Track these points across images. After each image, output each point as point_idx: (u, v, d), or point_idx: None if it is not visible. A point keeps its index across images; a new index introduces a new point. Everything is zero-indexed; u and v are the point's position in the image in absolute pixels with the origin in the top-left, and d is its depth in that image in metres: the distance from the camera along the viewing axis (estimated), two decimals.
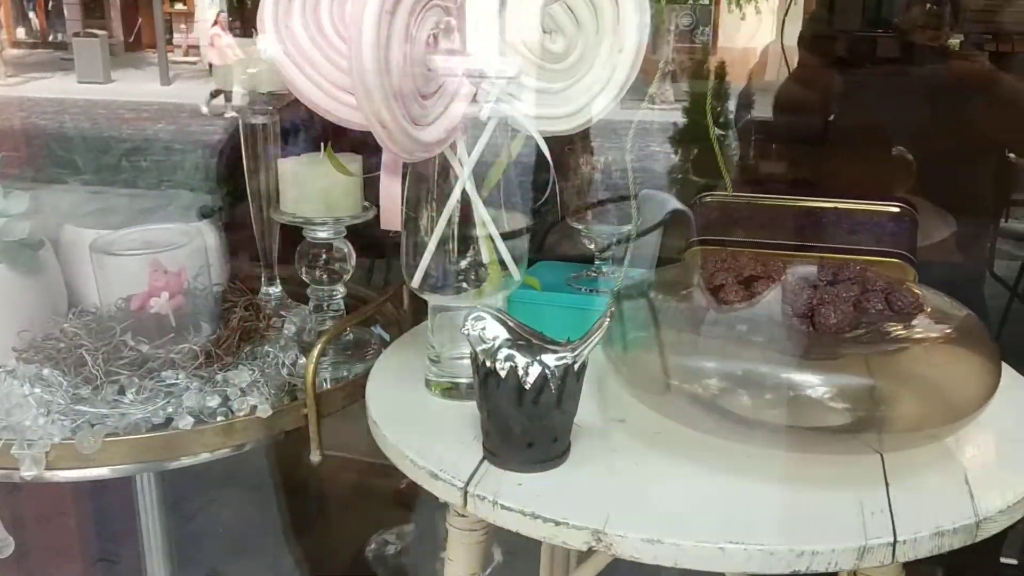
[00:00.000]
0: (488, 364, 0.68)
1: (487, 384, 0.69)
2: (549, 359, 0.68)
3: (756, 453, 0.69)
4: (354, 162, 0.96)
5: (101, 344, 0.83)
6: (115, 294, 0.89)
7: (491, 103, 0.72)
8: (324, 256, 0.99)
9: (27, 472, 0.77)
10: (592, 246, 0.95)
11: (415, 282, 0.79)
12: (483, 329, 0.69)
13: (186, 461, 0.82)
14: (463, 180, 0.75)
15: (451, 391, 0.81)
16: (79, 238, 1.03)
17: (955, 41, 1.45)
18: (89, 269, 0.99)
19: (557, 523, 0.64)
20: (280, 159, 0.99)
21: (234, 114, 1.07)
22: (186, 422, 0.81)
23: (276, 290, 1.08)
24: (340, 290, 1.01)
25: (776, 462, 0.69)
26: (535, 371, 0.67)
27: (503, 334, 0.69)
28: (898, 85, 1.41)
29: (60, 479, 0.80)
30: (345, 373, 0.96)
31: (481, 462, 0.70)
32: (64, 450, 0.79)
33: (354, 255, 1.00)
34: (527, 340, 0.69)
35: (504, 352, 0.68)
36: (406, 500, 1.71)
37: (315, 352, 0.87)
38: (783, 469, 0.69)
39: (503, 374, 0.68)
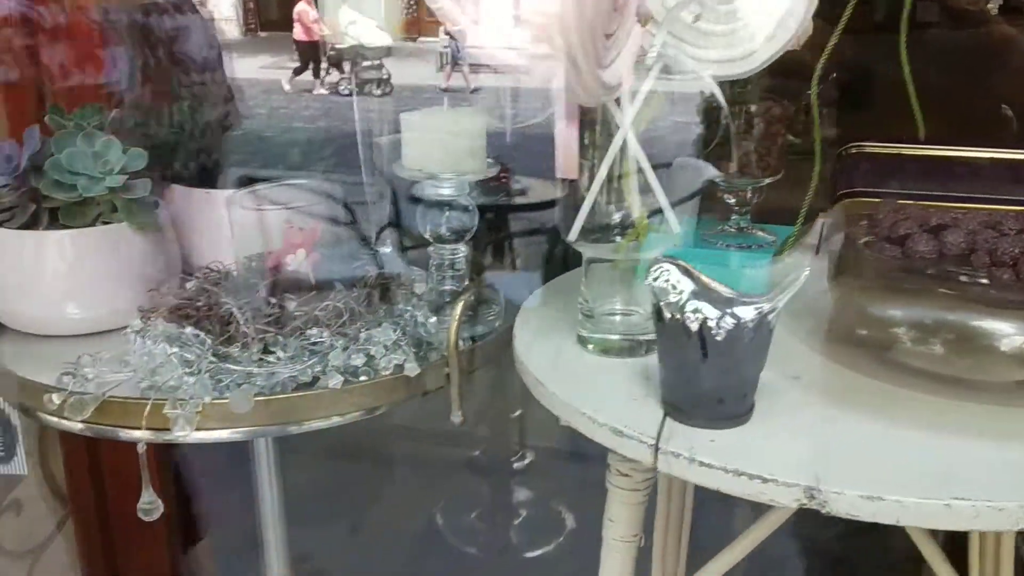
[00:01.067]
0: (675, 317, 0.66)
1: (673, 338, 0.66)
2: (743, 311, 0.65)
3: (953, 406, 0.67)
4: (478, 116, 0.93)
5: (243, 302, 0.81)
6: (248, 251, 0.86)
7: (657, 46, 0.69)
8: (448, 214, 0.96)
9: (180, 432, 0.75)
10: (732, 200, 0.92)
11: (573, 234, 0.76)
12: (668, 280, 0.66)
13: (335, 420, 0.80)
14: (625, 128, 0.72)
15: (610, 348, 0.78)
16: (188, 197, 1.00)
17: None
18: (196, 228, 0.97)
19: (764, 480, 0.61)
20: (403, 113, 0.96)
21: (323, 91, 1.04)
22: (336, 381, 0.78)
23: (387, 250, 1.05)
24: (462, 249, 0.98)
25: (975, 415, 0.67)
26: (728, 323, 0.64)
27: (689, 286, 0.66)
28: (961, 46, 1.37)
29: (211, 439, 0.77)
30: (466, 335, 0.93)
31: (664, 419, 0.68)
32: (212, 410, 0.76)
33: (477, 213, 0.97)
34: (714, 292, 0.66)
35: (693, 304, 0.65)
36: (480, 467, 1.70)
37: (459, 308, 0.84)
38: (983, 423, 0.66)
39: (693, 327, 0.65)
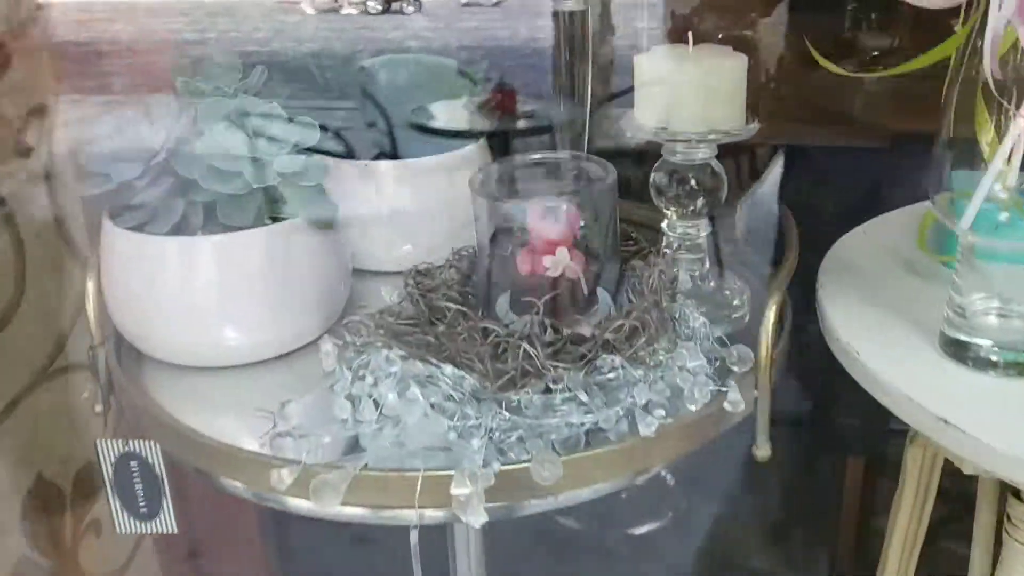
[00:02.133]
0: None
1: None
2: None
3: None
4: (739, 59, 0.73)
5: (510, 325, 0.61)
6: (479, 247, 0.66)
7: None
8: (693, 181, 0.76)
9: (472, 516, 0.55)
10: None
11: (967, 220, 0.57)
12: None
13: (623, 479, 0.61)
14: None
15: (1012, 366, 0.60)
16: (344, 172, 0.79)
17: None
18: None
19: None
20: (638, 56, 0.75)
21: (352, 11, 0.84)
22: (650, 426, 0.59)
23: None
24: (705, 226, 0.79)
25: None
26: None
27: None
28: None
29: (502, 518, 0.58)
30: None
31: None
32: (501, 480, 0.57)
33: (726, 179, 0.77)
34: None
35: None
36: None
37: (771, 314, 0.65)
38: None
39: None
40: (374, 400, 0.61)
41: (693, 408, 0.62)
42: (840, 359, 0.66)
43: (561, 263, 0.63)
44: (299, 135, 0.69)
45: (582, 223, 0.64)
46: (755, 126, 0.73)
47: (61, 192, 0.99)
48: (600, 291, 0.67)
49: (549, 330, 0.60)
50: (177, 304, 0.69)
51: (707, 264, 0.80)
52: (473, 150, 0.87)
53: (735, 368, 0.66)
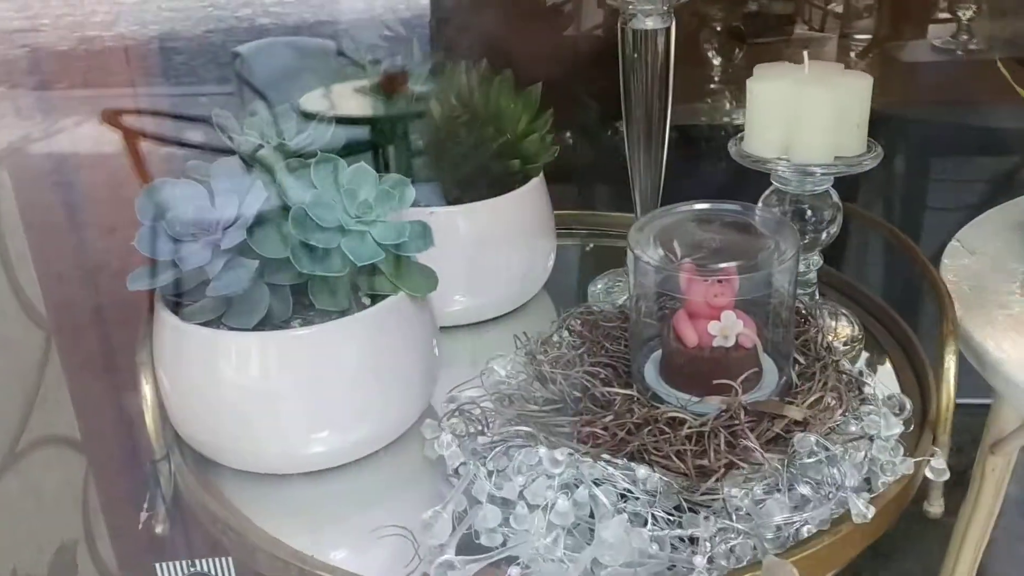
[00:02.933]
0: None
1: None
2: None
3: None
4: (865, 80, 0.66)
5: (692, 415, 0.52)
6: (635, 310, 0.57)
7: None
8: (810, 212, 0.70)
9: None
10: None
11: None
12: None
13: None
14: None
15: None
16: None
17: None
18: None
19: None
20: (750, 79, 0.67)
21: None
22: (867, 509, 0.52)
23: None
24: (817, 260, 0.72)
25: None
26: None
27: None
28: None
29: None
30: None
31: None
32: None
33: (842, 208, 0.71)
34: None
35: None
36: None
37: (952, 358, 0.59)
38: None
39: None
40: (532, 505, 0.52)
41: (892, 479, 0.55)
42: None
43: (732, 330, 0.55)
44: (396, 198, 0.59)
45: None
46: (880, 152, 0.67)
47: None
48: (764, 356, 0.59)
49: (743, 413, 0.52)
50: (264, 408, 0.57)
51: (817, 298, 0.74)
52: (536, 186, 0.78)
53: (899, 418, 0.59)
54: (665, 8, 0.70)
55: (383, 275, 0.59)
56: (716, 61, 1.17)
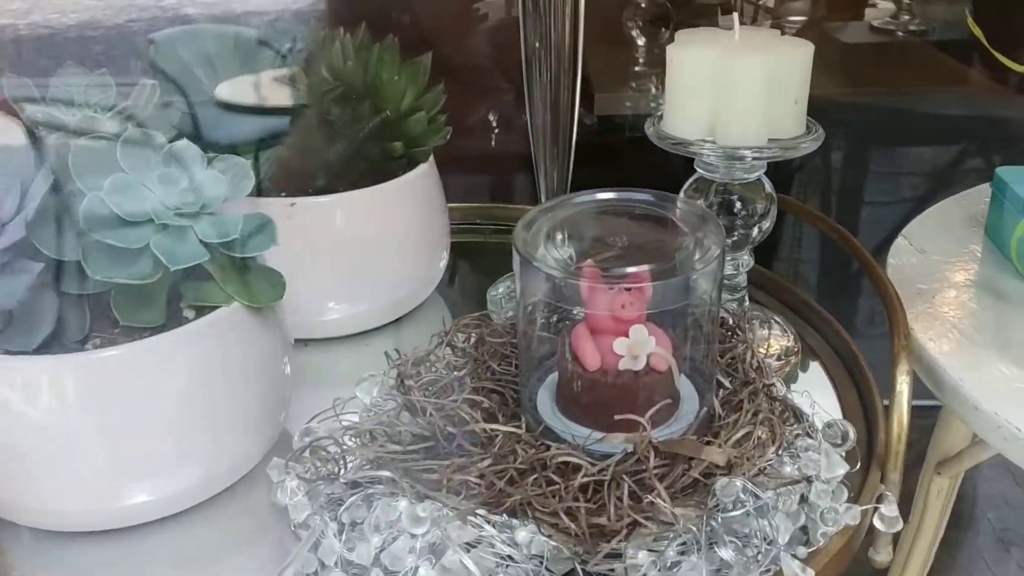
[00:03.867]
0: None
1: None
2: None
3: None
4: (803, 47, 0.56)
5: (586, 458, 0.41)
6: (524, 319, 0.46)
7: None
8: (739, 204, 0.60)
9: None
10: None
11: None
12: None
13: None
14: None
15: None
16: None
17: None
18: None
19: None
20: (671, 46, 0.57)
21: None
22: (804, 572, 0.42)
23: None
24: (747, 260, 0.62)
25: None
26: None
27: None
28: None
29: None
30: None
31: None
32: None
33: (776, 200, 0.61)
34: None
35: None
36: None
37: (905, 387, 0.49)
38: None
39: None
40: (390, 571, 0.40)
41: (834, 530, 0.45)
42: (988, 438, 0.51)
43: (643, 348, 0.44)
44: (228, 184, 0.47)
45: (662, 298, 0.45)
46: (821, 134, 0.57)
47: None
48: (682, 379, 0.48)
49: (653, 455, 0.42)
50: (59, 451, 0.45)
51: (747, 304, 0.64)
52: (424, 173, 0.67)
53: (840, 450, 0.49)
54: None
55: (214, 282, 0.47)
56: (640, 42, 1.07)
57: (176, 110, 0.65)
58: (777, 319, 0.65)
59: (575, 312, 0.45)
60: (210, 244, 0.46)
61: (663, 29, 1.05)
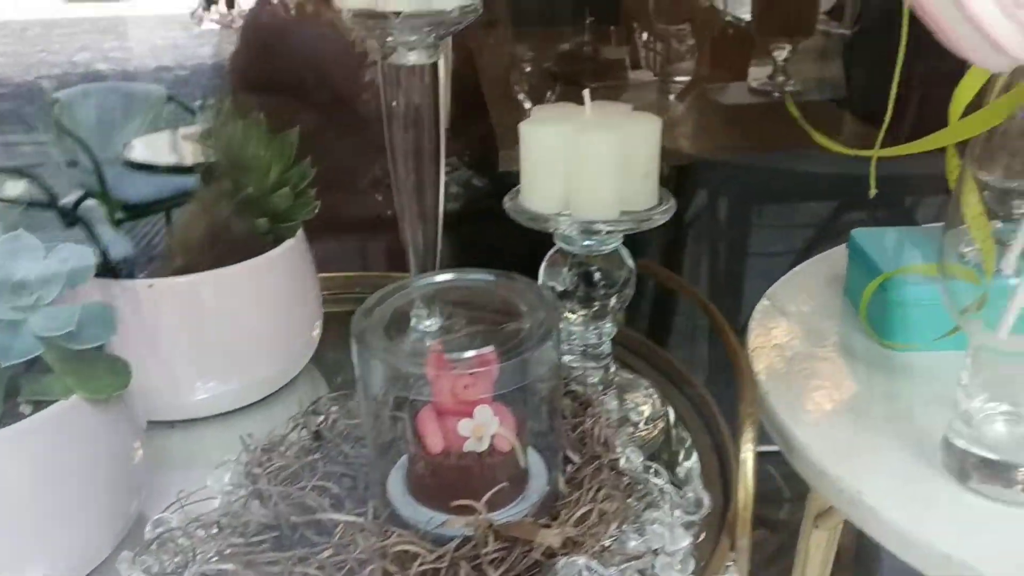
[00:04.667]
0: None
1: None
2: None
3: None
4: (651, 122, 0.58)
5: (426, 544, 0.41)
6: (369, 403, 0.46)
7: None
8: (598, 275, 0.61)
9: None
10: None
11: (1004, 331, 0.46)
12: None
13: None
14: None
15: None
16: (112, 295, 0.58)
17: None
18: None
19: None
20: (524, 123, 0.58)
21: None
22: None
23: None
24: (609, 328, 0.63)
25: None
26: None
27: None
28: None
29: None
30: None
31: None
32: None
33: (635, 269, 0.62)
34: None
35: None
36: None
37: (750, 455, 0.50)
38: None
39: None
40: None
41: None
42: (833, 501, 0.52)
43: (486, 430, 0.45)
44: (72, 271, 0.46)
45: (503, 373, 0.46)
46: (672, 204, 0.59)
47: None
48: (530, 452, 0.49)
49: (492, 539, 0.42)
50: None
51: (612, 370, 0.65)
52: (291, 248, 0.66)
53: (696, 517, 0.50)
54: (431, 40, 0.60)
55: (53, 375, 0.46)
56: (527, 104, 1.09)
57: (84, 170, 0.65)
58: (645, 383, 0.66)
59: (422, 394, 0.45)
60: (47, 337, 0.45)
61: (548, 92, 1.08)
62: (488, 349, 0.45)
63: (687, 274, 1.24)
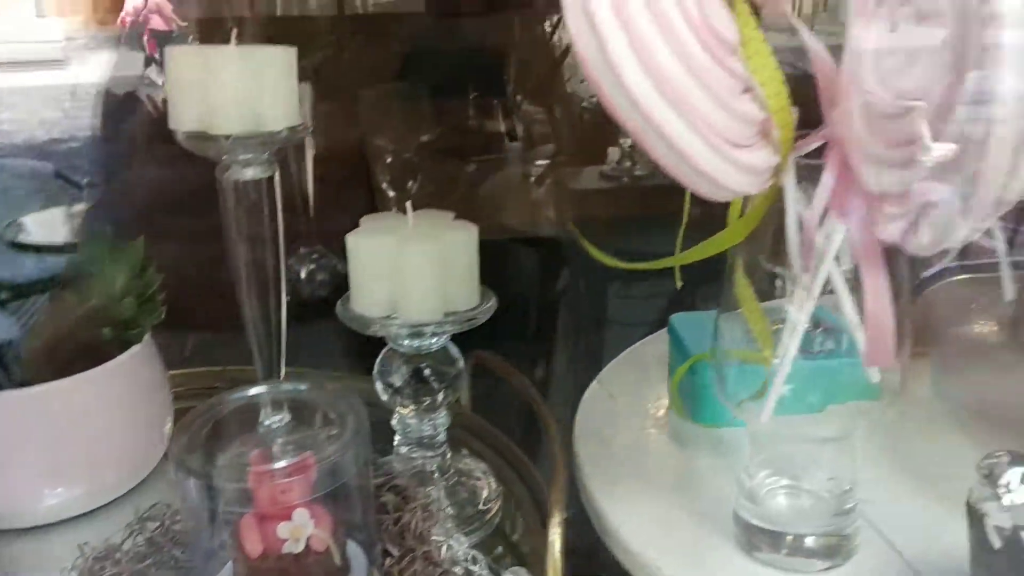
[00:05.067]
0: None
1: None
2: None
3: None
4: (467, 231, 0.64)
5: None
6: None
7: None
8: (428, 371, 0.65)
9: None
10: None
11: (767, 412, 0.51)
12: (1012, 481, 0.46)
13: None
14: (833, 251, 0.50)
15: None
16: None
17: None
18: None
19: None
20: (350, 235, 0.63)
21: None
22: None
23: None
24: (443, 419, 0.68)
25: None
26: None
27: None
28: None
29: None
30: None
31: None
32: None
33: (463, 363, 0.67)
34: None
35: None
36: None
37: (557, 538, 0.55)
38: None
39: None
40: None
41: None
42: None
43: (302, 532, 0.48)
44: None
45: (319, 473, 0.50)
46: (494, 303, 0.64)
47: None
48: (351, 547, 0.52)
49: None
50: None
51: (448, 456, 0.69)
52: (136, 353, 0.69)
53: None
54: (266, 156, 0.64)
55: None
56: (391, 193, 1.14)
57: None
58: (483, 468, 0.70)
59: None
60: None
61: (410, 182, 1.13)
62: (307, 454, 0.49)
63: (558, 346, 1.29)
